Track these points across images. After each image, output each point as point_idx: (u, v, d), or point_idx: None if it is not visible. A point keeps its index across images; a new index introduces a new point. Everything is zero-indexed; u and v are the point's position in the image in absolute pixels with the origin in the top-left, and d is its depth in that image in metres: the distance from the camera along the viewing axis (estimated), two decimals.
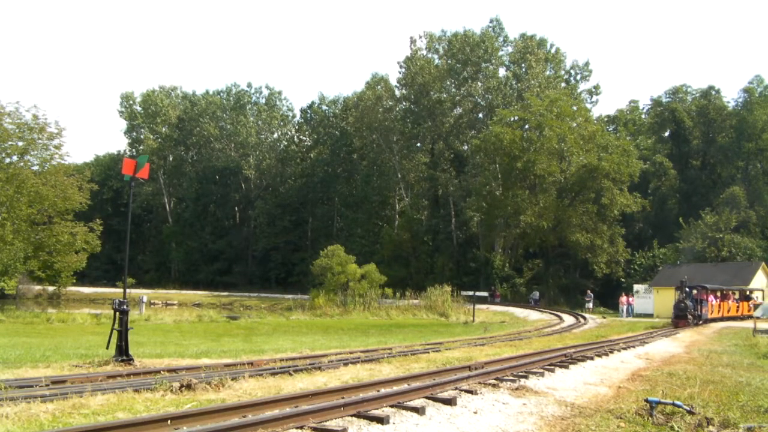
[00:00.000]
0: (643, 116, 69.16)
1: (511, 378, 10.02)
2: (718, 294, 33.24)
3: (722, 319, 32.39)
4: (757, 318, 31.72)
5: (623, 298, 41.56)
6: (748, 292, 37.95)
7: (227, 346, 17.24)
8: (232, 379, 9.28)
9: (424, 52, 65.20)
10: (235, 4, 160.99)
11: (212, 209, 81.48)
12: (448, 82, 63.55)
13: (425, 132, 65.01)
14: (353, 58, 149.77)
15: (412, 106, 65.45)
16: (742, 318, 34.68)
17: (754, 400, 9.17)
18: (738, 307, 35.11)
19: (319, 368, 11.19)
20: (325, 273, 41.81)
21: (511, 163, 50.92)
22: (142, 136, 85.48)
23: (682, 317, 27.42)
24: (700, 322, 29.03)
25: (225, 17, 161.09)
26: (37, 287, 52.19)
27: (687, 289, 28.40)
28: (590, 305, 43.44)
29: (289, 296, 56.34)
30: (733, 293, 35.69)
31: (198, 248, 77.36)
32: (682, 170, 59.19)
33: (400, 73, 65.68)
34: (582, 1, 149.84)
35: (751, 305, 36.49)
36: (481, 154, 54.83)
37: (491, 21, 67.39)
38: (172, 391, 8.23)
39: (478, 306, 37.80)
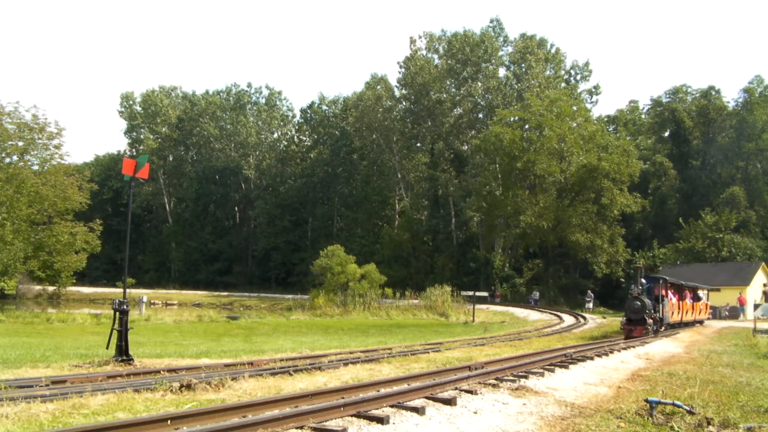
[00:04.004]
0: (643, 116, 69.16)
1: (511, 378, 10.01)
2: (674, 291, 25.31)
3: (681, 324, 25.64)
4: (758, 318, 31.35)
5: None
6: (699, 291, 30.59)
7: (227, 346, 17.23)
8: (232, 379, 9.28)
9: (424, 52, 65.22)
10: (235, 4, 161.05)
11: (212, 209, 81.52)
12: (448, 82, 63.53)
13: (425, 132, 65.02)
14: (353, 58, 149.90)
15: (412, 106, 65.45)
16: (693, 324, 28.22)
17: (754, 400, 9.17)
18: (692, 308, 27.62)
19: (319, 368, 11.19)
20: (325, 273, 41.79)
21: (511, 163, 50.90)
22: (142, 136, 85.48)
23: (639, 322, 20.16)
24: (662, 328, 22.06)
25: (225, 17, 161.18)
26: (37, 287, 52.20)
27: (643, 281, 21.50)
28: (590, 305, 43.43)
29: (289, 296, 56.36)
30: (689, 291, 28.15)
31: (198, 248, 77.38)
32: (682, 170, 59.17)
33: (399, 73, 65.72)
34: (582, 1, 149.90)
35: (701, 307, 29.69)
36: (481, 154, 54.82)
37: (491, 21, 67.52)
38: (172, 391, 8.23)
39: (478, 306, 37.79)
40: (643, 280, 21.41)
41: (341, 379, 9.97)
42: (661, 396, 8.51)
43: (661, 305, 21.67)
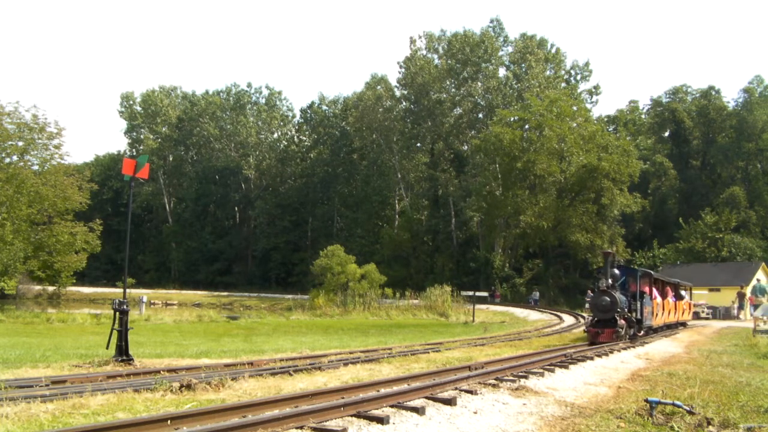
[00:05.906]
0: (643, 116, 69.22)
1: (511, 378, 10.01)
2: (658, 288, 21.54)
3: (664, 327, 22.59)
4: (758, 318, 31.14)
5: None
6: (682, 289, 26.78)
7: (227, 346, 17.22)
8: (232, 379, 9.28)
9: (424, 52, 65.22)
10: (235, 4, 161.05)
11: (212, 209, 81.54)
12: (447, 82, 63.53)
13: (425, 132, 65.03)
14: (353, 58, 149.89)
15: (412, 106, 65.47)
16: (676, 326, 25.11)
17: (754, 400, 9.16)
18: (675, 308, 24.14)
19: (319, 368, 11.18)
20: (325, 273, 41.82)
21: (511, 163, 50.93)
22: (142, 136, 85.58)
23: (608, 323, 16.37)
24: (641, 332, 18.56)
25: (225, 17, 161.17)
26: (37, 287, 52.25)
27: (616, 272, 17.62)
28: None
29: (289, 296, 56.39)
30: (670, 288, 24.39)
31: (198, 248, 77.39)
32: (682, 170, 59.21)
33: (399, 73, 65.77)
34: (582, 1, 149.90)
35: (685, 306, 26.30)
36: (481, 154, 54.85)
37: (491, 21, 67.59)
38: (172, 391, 8.22)
39: (478, 306, 37.77)
40: (617, 271, 17.69)
41: (341, 379, 9.97)
42: (661, 396, 8.50)
43: (639, 304, 18.01)
